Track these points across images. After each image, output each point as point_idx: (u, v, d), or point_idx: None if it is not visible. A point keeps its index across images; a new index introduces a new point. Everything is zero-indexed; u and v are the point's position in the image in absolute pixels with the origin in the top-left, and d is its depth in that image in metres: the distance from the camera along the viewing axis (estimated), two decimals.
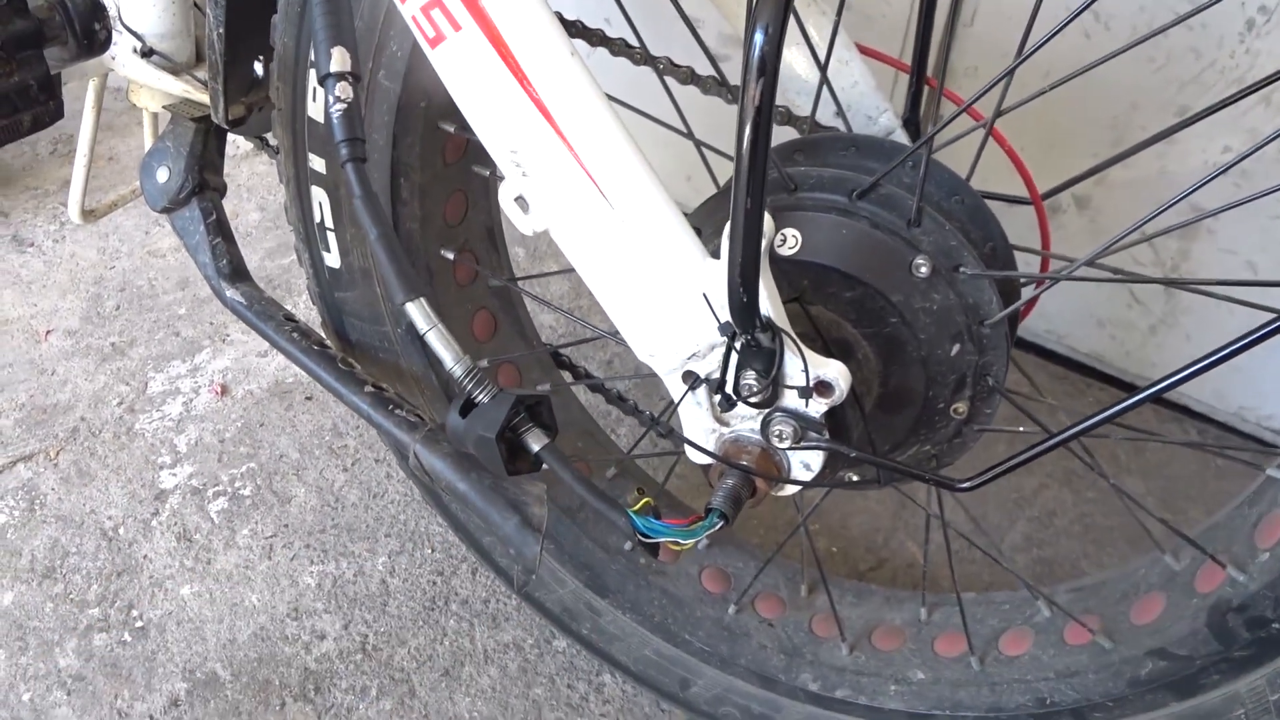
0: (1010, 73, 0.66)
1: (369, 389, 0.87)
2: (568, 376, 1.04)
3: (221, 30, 0.88)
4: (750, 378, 0.60)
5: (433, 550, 1.27)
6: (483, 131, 0.63)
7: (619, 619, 1.04)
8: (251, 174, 1.94)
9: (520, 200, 0.63)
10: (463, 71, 0.61)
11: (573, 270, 0.66)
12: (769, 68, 0.46)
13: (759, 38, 0.46)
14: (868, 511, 1.31)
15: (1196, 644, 0.76)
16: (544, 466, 0.63)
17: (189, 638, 1.19)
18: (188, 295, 1.66)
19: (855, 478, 0.79)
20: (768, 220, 0.55)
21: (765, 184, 0.50)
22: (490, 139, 0.63)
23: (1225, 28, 1.20)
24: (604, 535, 1.01)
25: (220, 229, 1.02)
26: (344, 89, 0.61)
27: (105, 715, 1.12)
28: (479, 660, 1.15)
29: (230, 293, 0.99)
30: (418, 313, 0.61)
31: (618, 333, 0.68)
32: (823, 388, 0.60)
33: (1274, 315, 0.56)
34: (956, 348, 0.69)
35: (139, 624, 1.21)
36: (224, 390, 1.49)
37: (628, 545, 1.01)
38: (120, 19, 0.99)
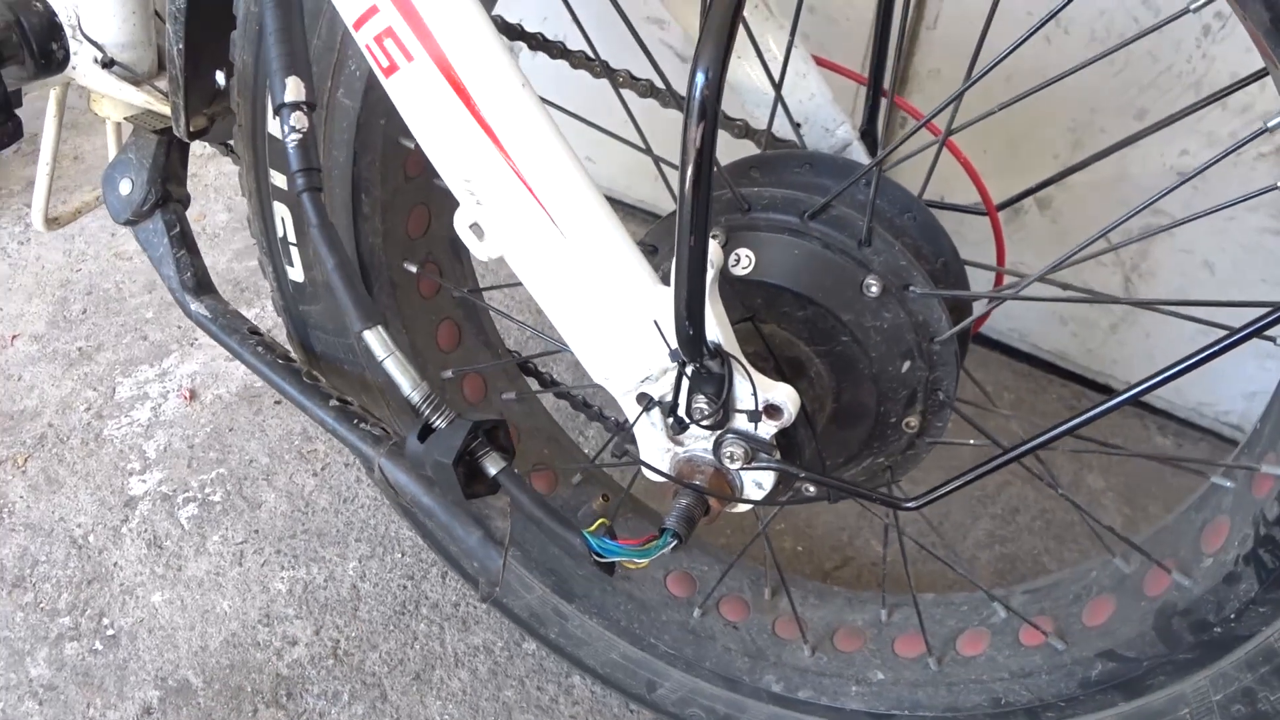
0: (961, 94, 0.67)
1: (334, 402, 0.87)
2: (534, 384, 1.05)
3: (181, 46, 0.87)
4: (701, 402, 0.61)
5: (403, 554, 1.28)
6: (437, 160, 0.63)
7: (586, 623, 1.05)
8: (219, 174, 1.93)
9: (475, 227, 0.63)
10: (416, 101, 0.61)
11: None
12: (709, 111, 0.47)
13: (700, 80, 0.47)
14: (833, 511, 1.33)
15: (1144, 646, 0.78)
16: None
17: (160, 645, 1.19)
18: (155, 298, 1.65)
19: (811, 490, 0.81)
20: (715, 250, 0.56)
21: (709, 222, 0.51)
22: (444, 167, 0.63)
23: (1182, 33, 1.22)
24: (569, 541, 1.02)
25: (184, 241, 1.02)
26: (299, 119, 0.61)
27: None
28: (450, 664, 1.17)
29: (195, 306, 0.99)
30: (375, 340, 0.61)
31: None
32: (772, 411, 0.61)
33: (1226, 332, 0.57)
34: (907, 364, 0.71)
35: (110, 632, 1.21)
36: (192, 395, 1.49)
37: None
38: (80, 29, 0.99)
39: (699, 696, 1.02)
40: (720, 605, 1.03)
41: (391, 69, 0.61)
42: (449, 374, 0.98)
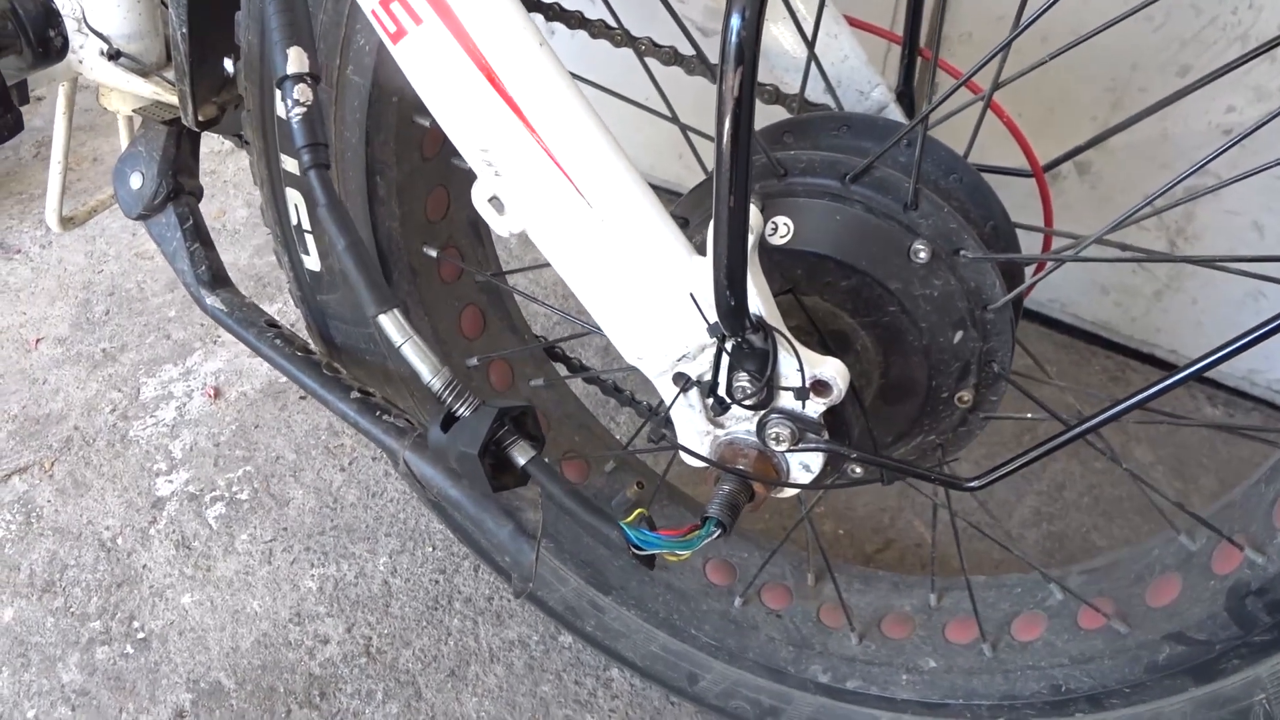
0: (1008, 45, 0.63)
1: (355, 395, 0.84)
2: (562, 369, 1.02)
3: (185, 30, 0.84)
4: (743, 380, 0.57)
5: (434, 548, 1.25)
6: (451, 130, 0.60)
7: (623, 615, 1.02)
8: (238, 169, 1.91)
9: (495, 201, 0.60)
10: (427, 68, 0.58)
11: None
12: (747, 55, 0.43)
13: (735, 22, 0.43)
14: (873, 491, 1.29)
15: (1215, 628, 0.74)
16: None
17: (192, 647, 1.17)
18: (177, 297, 1.63)
19: (859, 471, 0.77)
20: (755, 215, 0.52)
21: (749, 179, 0.47)
22: (460, 138, 0.60)
23: None
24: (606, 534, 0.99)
25: (198, 234, 1.00)
26: (303, 91, 0.58)
27: None
28: (484, 659, 1.14)
29: (210, 300, 0.96)
30: (391, 325, 0.58)
31: None
32: (820, 387, 0.57)
33: None
34: (959, 335, 0.66)
35: (141, 635, 1.19)
36: (217, 393, 1.47)
37: None
38: (85, 21, 0.96)
39: (743, 688, 0.99)
40: (762, 593, 1.00)
41: (400, 34, 0.57)
42: (474, 361, 0.94)
